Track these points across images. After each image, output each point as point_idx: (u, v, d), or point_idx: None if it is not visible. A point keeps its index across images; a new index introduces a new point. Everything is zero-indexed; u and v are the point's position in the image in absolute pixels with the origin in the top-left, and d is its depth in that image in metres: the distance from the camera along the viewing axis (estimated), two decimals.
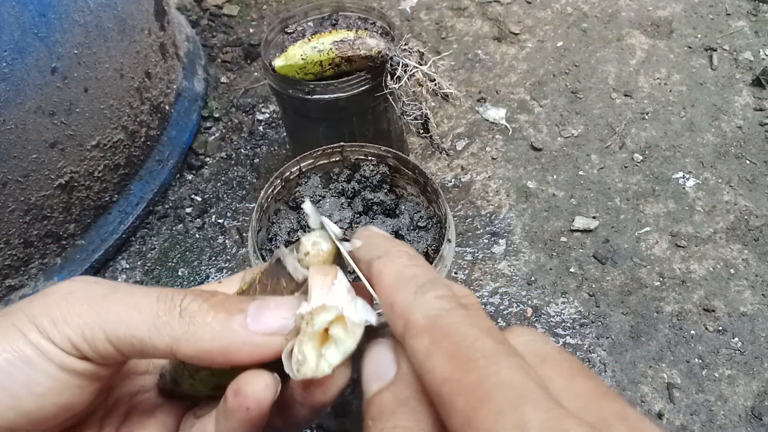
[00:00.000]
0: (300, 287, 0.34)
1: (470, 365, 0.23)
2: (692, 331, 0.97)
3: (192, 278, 1.09)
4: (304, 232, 0.77)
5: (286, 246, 0.35)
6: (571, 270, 1.05)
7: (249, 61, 1.43)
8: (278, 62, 0.93)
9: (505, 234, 1.11)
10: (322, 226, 0.35)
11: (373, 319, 0.32)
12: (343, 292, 0.33)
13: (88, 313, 0.32)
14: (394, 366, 0.29)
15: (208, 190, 1.21)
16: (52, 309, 0.31)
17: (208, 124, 1.31)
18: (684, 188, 1.15)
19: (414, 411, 0.26)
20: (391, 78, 0.87)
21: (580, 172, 1.19)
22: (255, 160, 1.25)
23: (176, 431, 0.40)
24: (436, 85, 0.87)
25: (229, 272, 1.09)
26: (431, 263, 0.71)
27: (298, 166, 0.79)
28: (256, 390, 0.32)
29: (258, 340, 0.32)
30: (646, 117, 1.27)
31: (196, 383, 0.37)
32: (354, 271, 0.34)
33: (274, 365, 0.32)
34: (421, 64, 0.86)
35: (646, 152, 1.21)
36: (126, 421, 0.39)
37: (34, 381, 0.30)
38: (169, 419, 0.40)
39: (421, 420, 0.26)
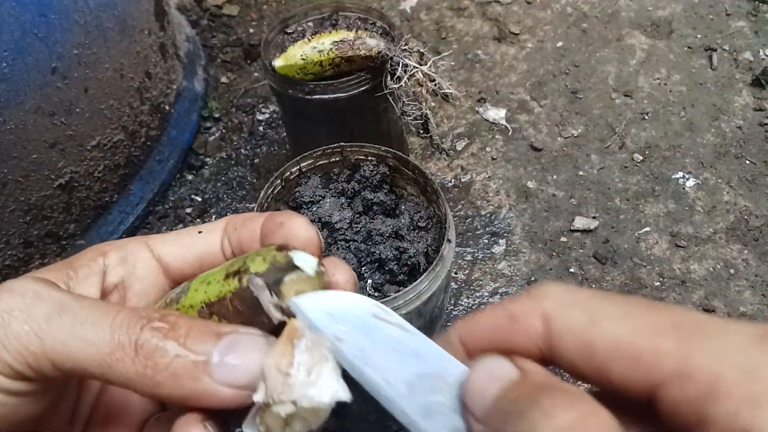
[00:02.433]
0: (280, 328, 0.31)
1: None
2: None
3: None
4: None
5: (260, 275, 0.31)
6: (571, 270, 1.05)
7: (249, 61, 1.43)
8: (278, 62, 0.93)
9: (505, 234, 1.11)
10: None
11: (344, 396, 0.29)
12: (301, 379, 0.29)
13: (29, 338, 0.28)
14: (513, 367, 0.26)
15: (208, 190, 1.21)
16: None
17: (208, 124, 1.31)
18: (684, 188, 1.15)
19: (570, 389, 0.24)
20: (391, 78, 0.87)
21: (580, 172, 1.19)
22: (255, 160, 1.25)
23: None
24: (436, 85, 0.87)
25: None
26: (431, 263, 0.71)
27: (298, 166, 0.79)
28: None
29: (222, 391, 0.28)
30: (646, 117, 1.27)
31: None
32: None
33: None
34: (421, 64, 0.86)
35: (646, 152, 1.21)
36: (99, 402, 0.36)
37: None
38: (132, 424, 0.37)
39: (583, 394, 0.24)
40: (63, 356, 0.28)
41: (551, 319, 0.27)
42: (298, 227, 0.35)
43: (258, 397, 0.28)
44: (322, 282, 0.32)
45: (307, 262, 0.32)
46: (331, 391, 0.29)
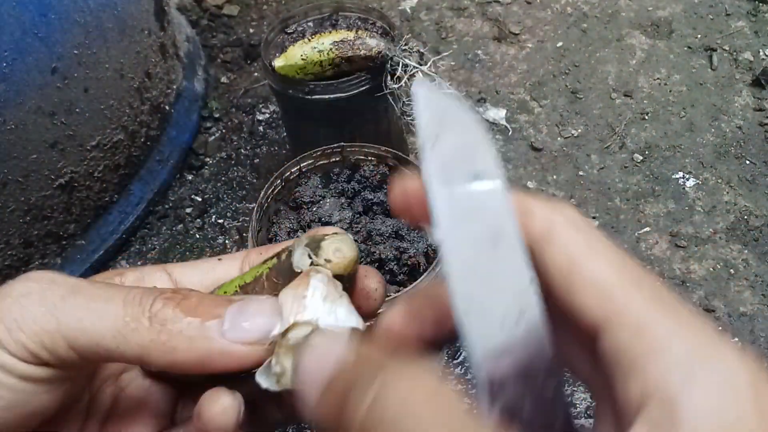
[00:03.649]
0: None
1: None
2: None
3: None
4: (304, 232, 0.77)
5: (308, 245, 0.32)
6: None
7: (249, 61, 1.43)
8: (278, 62, 0.93)
9: None
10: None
11: (357, 323, 0.29)
12: (317, 302, 0.30)
13: (45, 318, 0.28)
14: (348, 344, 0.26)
15: (208, 190, 1.21)
16: (5, 315, 0.28)
17: (208, 124, 1.31)
18: (684, 188, 1.15)
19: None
20: (391, 78, 0.87)
21: (580, 173, 1.19)
22: (255, 160, 1.25)
23: (172, 415, 0.37)
24: (436, 85, 0.87)
25: None
26: (431, 263, 0.71)
27: (298, 166, 0.79)
28: (213, 416, 0.30)
29: (236, 349, 0.29)
30: (646, 117, 1.27)
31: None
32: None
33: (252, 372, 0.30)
34: (421, 64, 0.86)
35: (646, 152, 1.21)
36: (113, 409, 0.36)
37: None
38: (163, 404, 0.37)
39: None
40: (77, 332, 0.28)
41: (555, 232, 0.27)
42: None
43: (276, 330, 0.29)
44: (357, 255, 0.33)
45: (346, 235, 0.33)
46: (349, 319, 0.29)
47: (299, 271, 0.31)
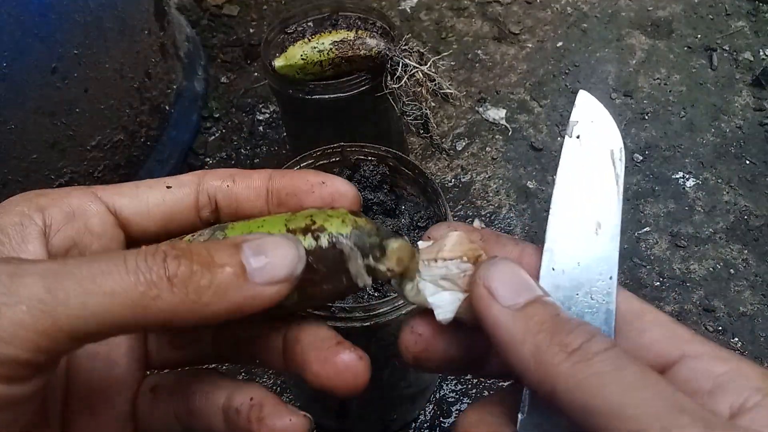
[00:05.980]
0: (359, 290, 0.32)
1: None
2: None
3: None
4: None
5: (344, 236, 0.31)
6: None
7: (249, 61, 1.43)
8: (278, 62, 0.93)
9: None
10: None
11: (443, 317, 0.32)
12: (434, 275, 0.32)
13: (34, 318, 0.24)
14: (535, 285, 0.32)
15: None
16: None
17: (208, 124, 1.31)
18: (684, 188, 1.15)
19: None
20: (391, 78, 0.87)
21: None
22: (255, 160, 1.25)
23: (133, 406, 0.35)
24: (436, 85, 0.87)
25: None
26: None
27: (298, 166, 0.79)
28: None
29: (267, 290, 0.28)
30: (646, 117, 1.27)
31: None
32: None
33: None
34: (421, 64, 0.86)
35: (646, 152, 1.21)
36: (72, 372, 0.33)
37: None
38: (122, 400, 0.34)
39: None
40: (83, 320, 0.25)
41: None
42: (341, 185, 0.35)
43: (301, 265, 0.30)
44: (416, 257, 0.33)
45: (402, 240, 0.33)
46: (443, 308, 0.32)
47: (361, 285, 0.32)
